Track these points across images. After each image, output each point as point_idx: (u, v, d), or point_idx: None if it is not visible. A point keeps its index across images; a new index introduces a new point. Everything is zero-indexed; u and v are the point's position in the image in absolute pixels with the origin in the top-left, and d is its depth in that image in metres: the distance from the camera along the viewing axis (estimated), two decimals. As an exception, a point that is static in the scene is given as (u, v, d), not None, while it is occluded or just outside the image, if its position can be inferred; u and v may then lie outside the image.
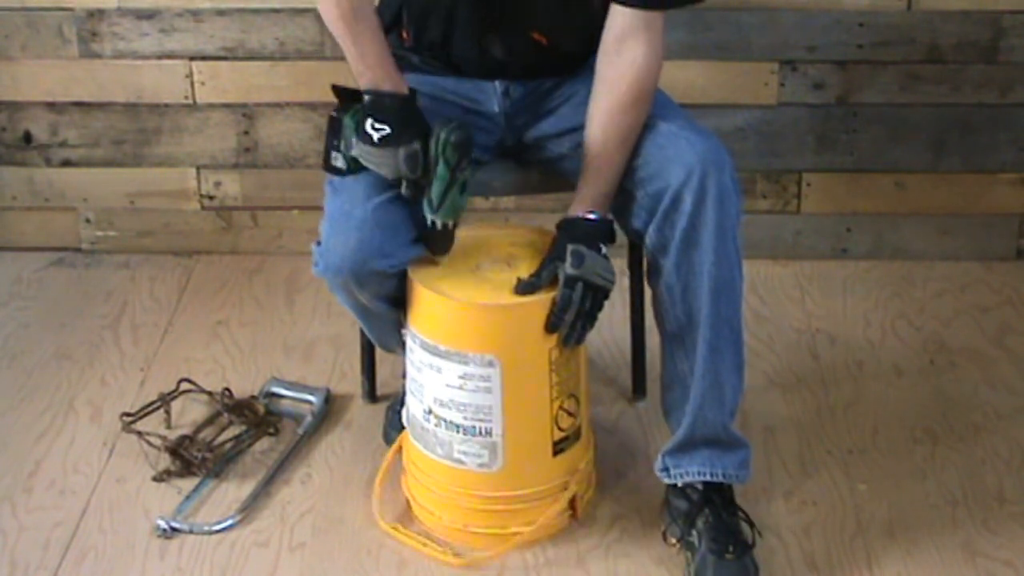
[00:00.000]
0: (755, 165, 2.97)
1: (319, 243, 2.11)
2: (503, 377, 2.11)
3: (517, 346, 2.11)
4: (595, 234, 2.11)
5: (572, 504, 2.24)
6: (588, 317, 2.11)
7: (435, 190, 2.04)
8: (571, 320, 2.10)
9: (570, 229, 2.12)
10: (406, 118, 2.05)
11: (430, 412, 2.18)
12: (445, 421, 2.17)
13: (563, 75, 2.26)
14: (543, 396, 2.14)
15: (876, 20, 2.87)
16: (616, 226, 2.18)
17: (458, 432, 2.16)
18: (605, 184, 2.13)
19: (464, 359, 2.11)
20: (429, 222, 2.08)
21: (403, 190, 2.06)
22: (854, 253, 3.05)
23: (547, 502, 2.20)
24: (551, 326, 2.10)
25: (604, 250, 2.11)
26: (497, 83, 2.26)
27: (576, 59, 2.24)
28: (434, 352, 2.14)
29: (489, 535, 2.21)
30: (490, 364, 2.10)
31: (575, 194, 2.15)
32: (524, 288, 2.11)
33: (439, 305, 2.11)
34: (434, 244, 2.11)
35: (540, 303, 2.09)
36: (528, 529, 2.19)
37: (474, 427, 2.15)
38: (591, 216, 2.12)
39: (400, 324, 2.23)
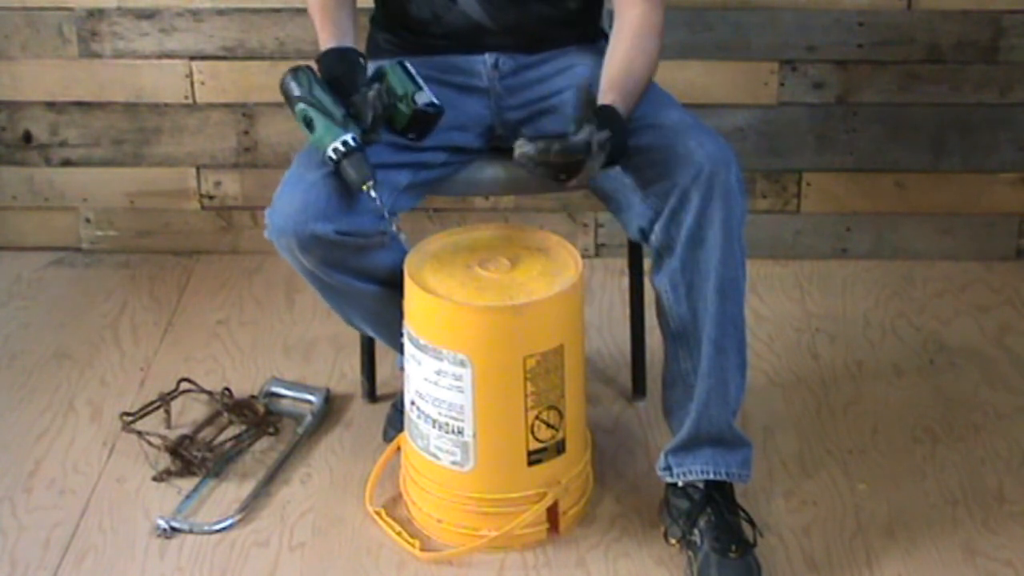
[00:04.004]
0: (755, 165, 2.97)
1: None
2: (475, 378, 2.10)
3: (489, 349, 2.10)
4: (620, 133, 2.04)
5: (552, 517, 2.22)
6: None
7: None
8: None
9: (604, 111, 2.02)
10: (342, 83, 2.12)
11: (413, 403, 2.20)
12: (424, 414, 2.18)
13: (549, 43, 2.29)
14: (517, 403, 2.13)
15: (876, 20, 2.87)
16: (622, 225, 2.19)
17: (434, 427, 2.17)
18: (628, 96, 2.09)
19: (439, 355, 2.11)
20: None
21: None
22: (854, 253, 3.05)
23: (520, 510, 2.18)
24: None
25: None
26: (487, 55, 2.28)
27: (551, 18, 2.27)
28: (415, 344, 2.15)
29: (460, 533, 2.21)
30: (462, 364, 2.10)
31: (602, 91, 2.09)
32: (565, 147, 1.96)
33: (418, 297, 2.12)
34: (343, 176, 2.08)
35: (513, 309, 2.08)
36: (495, 534, 2.18)
37: (448, 424, 2.15)
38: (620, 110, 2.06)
39: (367, 303, 2.25)
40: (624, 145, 2.04)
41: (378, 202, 2.06)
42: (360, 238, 2.12)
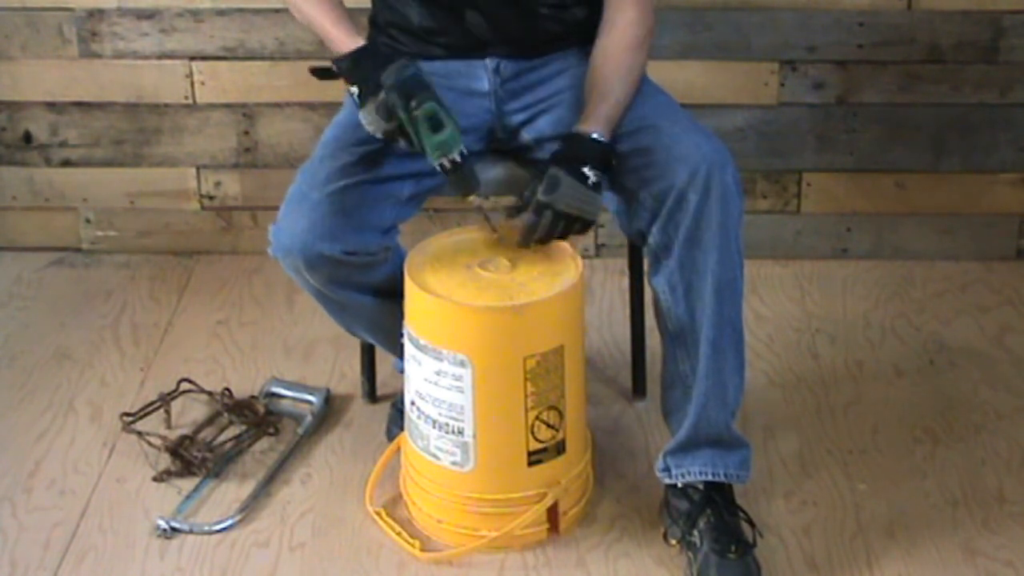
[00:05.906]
0: (755, 165, 2.97)
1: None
2: (475, 378, 2.10)
3: (489, 349, 2.10)
4: (589, 155, 2.09)
5: (552, 518, 2.22)
6: (561, 238, 2.11)
7: (412, 136, 2.04)
8: (538, 240, 2.10)
9: (564, 147, 2.11)
10: (365, 74, 2.05)
11: (413, 403, 2.20)
12: (424, 415, 2.18)
13: (549, 48, 2.29)
14: (517, 403, 2.13)
15: (876, 20, 2.87)
16: (620, 227, 2.19)
17: (434, 428, 2.17)
18: (609, 107, 2.12)
19: (439, 355, 2.11)
20: (434, 166, 2.07)
21: (400, 144, 2.07)
22: (854, 253, 3.05)
23: (520, 510, 2.18)
24: (519, 244, 2.13)
25: (592, 177, 2.07)
26: (488, 60, 2.28)
27: (556, 33, 2.27)
28: (415, 344, 2.15)
29: (460, 533, 2.21)
30: (462, 364, 2.10)
31: (580, 116, 2.13)
32: (512, 213, 2.12)
33: (418, 298, 2.12)
34: (454, 185, 2.08)
35: (514, 310, 2.08)
36: (495, 534, 2.18)
37: (448, 424, 2.15)
38: (592, 135, 2.10)
39: (369, 314, 2.25)
40: (601, 160, 2.09)
41: (484, 213, 2.10)
42: (366, 256, 2.12)
